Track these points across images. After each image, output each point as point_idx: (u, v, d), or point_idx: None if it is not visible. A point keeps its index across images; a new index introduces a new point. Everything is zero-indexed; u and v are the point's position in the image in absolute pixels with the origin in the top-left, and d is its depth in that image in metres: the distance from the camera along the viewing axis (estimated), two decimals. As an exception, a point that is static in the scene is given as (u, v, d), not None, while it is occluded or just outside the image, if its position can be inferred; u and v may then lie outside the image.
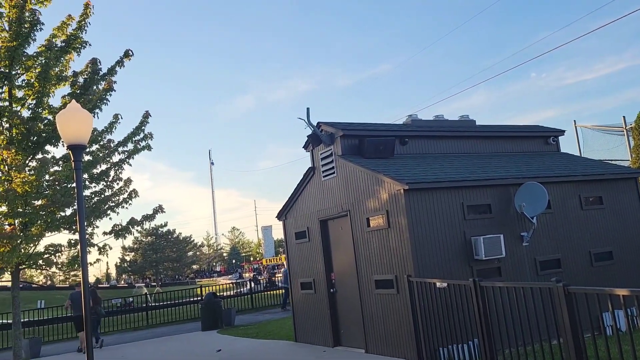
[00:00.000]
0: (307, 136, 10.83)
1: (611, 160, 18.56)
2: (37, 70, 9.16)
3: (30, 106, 9.27)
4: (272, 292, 25.17)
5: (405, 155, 10.49)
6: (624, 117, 20.29)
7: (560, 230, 9.74)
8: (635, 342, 4.57)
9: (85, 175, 9.35)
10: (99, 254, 9.45)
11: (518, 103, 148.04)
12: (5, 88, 9.09)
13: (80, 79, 9.61)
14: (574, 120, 22.31)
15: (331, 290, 10.52)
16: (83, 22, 9.54)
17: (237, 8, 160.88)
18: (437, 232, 8.56)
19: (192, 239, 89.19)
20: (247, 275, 61.71)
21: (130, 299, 25.77)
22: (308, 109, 10.54)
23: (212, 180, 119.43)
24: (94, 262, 9.68)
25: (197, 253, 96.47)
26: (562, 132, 12.77)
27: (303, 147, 11.21)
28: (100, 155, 9.67)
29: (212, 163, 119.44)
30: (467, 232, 8.79)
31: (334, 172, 10.26)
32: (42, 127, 9.09)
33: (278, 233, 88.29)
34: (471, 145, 11.41)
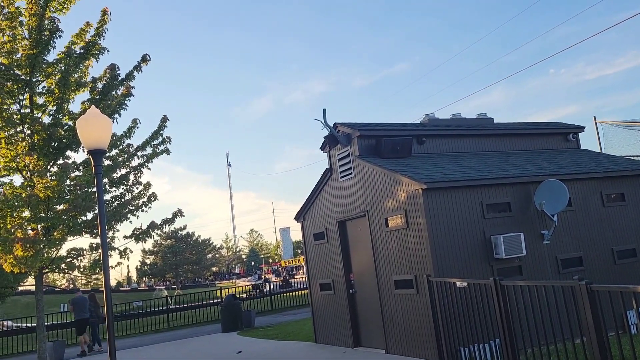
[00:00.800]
0: (324, 137, 10.84)
1: (633, 156, 18.23)
2: (57, 77, 9.31)
3: (50, 112, 9.43)
4: (290, 293, 25.21)
5: (422, 154, 10.43)
6: (645, 112, 19.84)
7: (582, 228, 9.60)
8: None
9: (106, 180, 9.48)
10: (120, 257, 9.57)
11: (537, 100, 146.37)
12: (27, 95, 9.26)
13: (99, 85, 9.75)
14: (594, 117, 21.98)
15: (350, 290, 10.51)
16: (101, 29, 9.68)
17: (253, 11, 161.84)
18: (456, 232, 8.49)
19: (211, 242, 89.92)
20: (265, 276, 61.90)
21: (139, 303, 26.02)
22: (324, 110, 10.57)
23: (230, 182, 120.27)
24: (115, 266, 9.81)
25: (216, 255, 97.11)
26: (582, 128, 12.59)
27: (320, 148, 11.22)
28: (120, 159, 9.79)
29: (230, 165, 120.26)
30: (487, 230, 8.71)
31: (351, 173, 10.25)
32: (63, 132, 9.25)
33: (296, 234, 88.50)
34: (489, 144, 11.30)
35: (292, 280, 37.07)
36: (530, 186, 9.24)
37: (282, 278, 44.02)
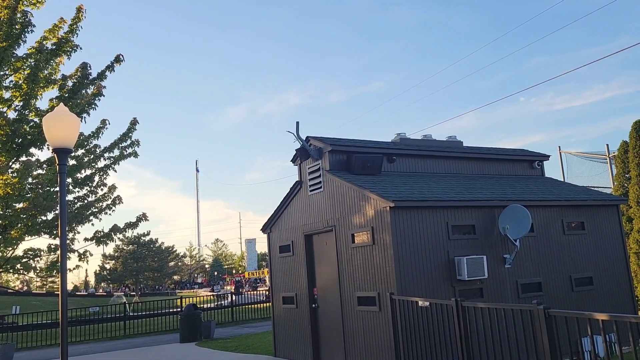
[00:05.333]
0: (296, 150, 10.84)
1: (594, 187, 18.82)
2: (26, 72, 9.10)
3: (16, 108, 9.19)
4: (252, 305, 24.93)
5: (392, 172, 10.54)
6: (607, 145, 20.67)
7: (542, 254, 9.82)
8: (613, 367, 4.60)
9: (69, 180, 9.25)
10: (79, 260, 9.34)
11: (507, 126, 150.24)
12: (-7, 88, 9.01)
13: (70, 83, 9.55)
14: (559, 146, 22.68)
15: (313, 305, 10.46)
16: (75, 26, 9.52)
17: (233, 17, 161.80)
18: (421, 251, 8.57)
19: (174, 249, 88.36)
20: (227, 287, 61.09)
21: (95, 308, 25.31)
22: (297, 122, 10.59)
23: (197, 189, 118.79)
24: (74, 269, 9.54)
25: (179, 264, 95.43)
26: (547, 157, 12.95)
27: (291, 161, 11.22)
28: (86, 160, 9.59)
29: (198, 170, 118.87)
30: (451, 251, 8.82)
31: (320, 187, 10.26)
32: (28, 129, 9.01)
33: (262, 246, 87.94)
34: (458, 166, 11.50)
35: (247, 292, 36.72)
36: (495, 210, 9.43)
37: (234, 285, 43.56)
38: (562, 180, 18.60)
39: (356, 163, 9.96)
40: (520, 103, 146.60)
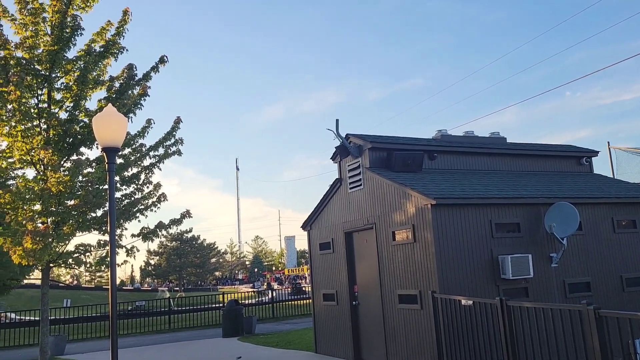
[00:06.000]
0: (336, 147, 10.85)
1: (646, 183, 18.03)
2: (75, 74, 9.42)
3: (67, 108, 9.52)
4: (293, 302, 25.13)
5: (433, 170, 10.42)
6: (660, 140, 19.75)
7: (591, 253, 9.51)
8: (668, 371, 4.42)
9: (117, 178, 9.54)
10: (127, 255, 9.59)
11: (551, 122, 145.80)
12: (45, 90, 9.36)
13: (116, 84, 9.83)
14: (608, 142, 21.88)
15: (354, 302, 10.46)
16: (121, 28, 9.78)
17: (272, 17, 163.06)
18: (463, 249, 8.45)
19: (215, 246, 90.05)
20: (269, 284, 61.78)
21: (142, 303, 26.01)
22: (337, 120, 10.60)
23: (238, 187, 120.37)
24: (121, 264, 9.83)
25: (220, 260, 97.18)
26: (595, 152, 12.52)
27: (331, 158, 11.24)
28: (132, 158, 9.85)
29: (238, 169, 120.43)
30: (495, 250, 8.65)
31: (360, 184, 10.24)
32: (78, 129, 9.33)
33: (301, 244, 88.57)
34: (501, 163, 11.26)
35: (304, 287, 36.95)
36: (540, 208, 9.18)
37: (293, 285, 43.83)
38: (612, 177, 17.93)
39: (396, 160, 9.89)
40: (566, 98, 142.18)
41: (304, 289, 36.34)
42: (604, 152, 21.92)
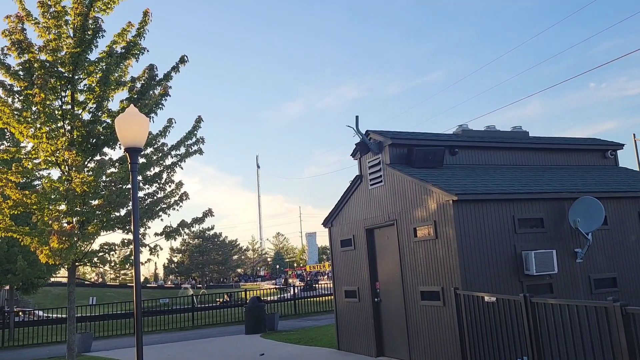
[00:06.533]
0: (356, 144, 10.83)
1: (674, 176, 17.61)
2: (98, 76, 9.55)
3: (90, 110, 9.67)
4: (314, 298, 25.20)
5: (454, 165, 10.32)
6: (689, 131, 19.29)
7: (617, 248, 9.32)
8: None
9: (140, 177, 9.66)
10: (150, 254, 9.71)
11: (575, 114, 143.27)
12: (68, 92, 9.52)
13: (138, 84, 9.95)
14: (634, 134, 21.42)
15: (375, 299, 10.44)
16: (142, 30, 9.88)
17: (289, 14, 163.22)
18: (486, 245, 8.36)
19: (237, 243, 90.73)
20: (291, 281, 62.07)
21: (165, 300, 26.35)
22: (357, 116, 10.57)
23: (259, 184, 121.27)
24: (145, 262, 9.95)
25: (242, 257, 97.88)
26: (620, 145, 12.26)
27: (351, 155, 11.22)
28: (154, 158, 9.96)
29: (259, 166, 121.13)
30: (518, 246, 8.54)
31: (381, 181, 10.20)
32: (101, 130, 9.47)
33: (322, 240, 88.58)
34: (524, 157, 11.11)
35: (316, 285, 36.94)
36: (564, 202, 9.04)
37: (305, 282, 43.82)
38: (638, 170, 17.54)
39: (417, 156, 9.82)
40: (590, 89, 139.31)
41: (315, 286, 36.36)
42: (629, 145, 21.45)
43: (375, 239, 10.62)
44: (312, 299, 25.14)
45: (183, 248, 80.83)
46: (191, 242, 79.36)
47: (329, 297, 21.77)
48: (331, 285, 12.83)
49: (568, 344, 5.83)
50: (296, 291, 26.44)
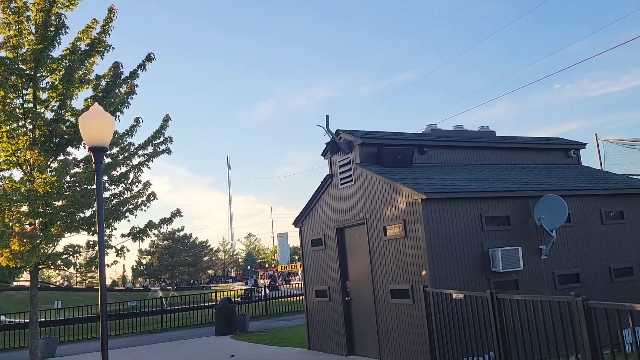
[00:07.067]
0: (326, 144, 10.84)
1: (633, 175, 18.22)
2: (61, 73, 9.32)
3: (53, 108, 9.43)
4: (286, 298, 25.14)
5: (423, 164, 10.43)
6: (647, 131, 20.02)
7: (580, 245, 9.58)
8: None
9: (105, 178, 9.47)
10: (117, 255, 9.53)
11: (541, 114, 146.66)
12: (30, 90, 9.26)
13: (103, 82, 9.75)
14: (595, 134, 22.08)
15: (346, 298, 10.47)
16: (107, 26, 9.69)
17: (262, 15, 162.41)
18: (454, 243, 8.48)
19: (208, 244, 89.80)
20: (262, 281, 61.79)
21: (133, 303, 25.93)
22: (327, 116, 10.57)
23: (230, 185, 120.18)
24: (111, 264, 9.75)
25: (213, 258, 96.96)
26: (583, 145, 12.61)
27: (321, 155, 11.22)
28: (120, 157, 9.77)
29: (230, 168, 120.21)
30: (485, 243, 8.69)
31: (351, 180, 10.24)
32: (65, 129, 9.24)
33: (293, 240, 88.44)
34: (490, 156, 11.31)
35: (281, 285, 36.83)
36: (530, 200, 9.23)
37: (269, 281, 43.49)
38: (600, 168, 18.08)
39: (387, 155, 9.89)
40: (555, 90, 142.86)
41: (277, 286, 36.60)
42: (592, 145, 22.12)
43: (346, 238, 10.65)
44: (283, 299, 25.05)
45: (152, 250, 79.54)
46: (160, 243, 78.14)
47: (301, 297, 21.76)
48: (301, 284, 12.81)
49: (532, 338, 5.95)
50: (266, 292, 26.32)
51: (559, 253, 9.28)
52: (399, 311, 8.88)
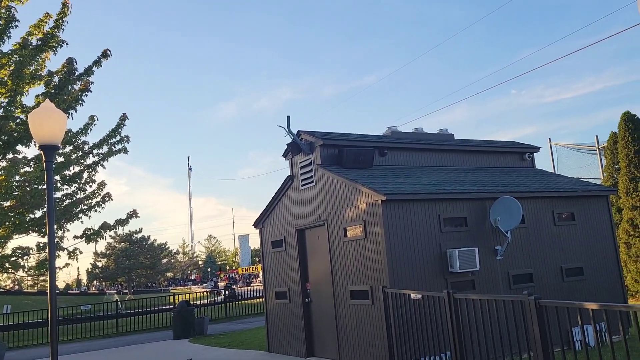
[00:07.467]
0: (287, 144, 10.79)
1: (584, 178, 18.94)
2: (10, 68, 8.97)
3: (2, 105, 9.06)
4: (246, 301, 24.91)
5: (384, 166, 10.52)
6: (596, 136, 20.91)
7: (533, 245, 9.85)
8: (603, 357, 4.61)
9: (57, 177, 9.15)
10: (69, 258, 9.25)
11: (499, 119, 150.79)
12: (-23, 85, 8.87)
13: (56, 79, 9.44)
14: (549, 138, 22.85)
15: (306, 300, 10.44)
16: (61, 21, 9.39)
17: (225, 15, 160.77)
18: (413, 244, 8.57)
19: (167, 246, 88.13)
20: (222, 284, 61.09)
21: (87, 307, 25.22)
22: (288, 117, 10.53)
23: (190, 186, 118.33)
24: (63, 267, 9.45)
25: (172, 261, 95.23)
26: (537, 148, 12.99)
27: (282, 156, 11.16)
28: (74, 157, 9.49)
29: (191, 169, 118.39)
30: (443, 244, 8.83)
31: (312, 181, 10.23)
32: (14, 126, 8.89)
33: (255, 242, 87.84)
34: (449, 159, 11.51)
35: (239, 288, 36.06)
36: (486, 202, 9.44)
37: (224, 287, 41.62)
38: (553, 171, 18.69)
39: (348, 157, 9.92)
40: (512, 95, 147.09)
41: (234, 288, 34.81)
42: (545, 148, 22.86)
43: (307, 240, 10.63)
44: (243, 302, 24.81)
45: (108, 252, 77.46)
46: (117, 245, 76.18)
47: (261, 300, 21.59)
48: (261, 286, 12.71)
49: (488, 336, 6.07)
50: (227, 294, 25.99)
51: (513, 253, 9.52)
52: (358, 312, 8.91)
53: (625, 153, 16.04)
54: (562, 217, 10.43)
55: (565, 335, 5.34)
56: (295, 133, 10.53)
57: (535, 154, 12.87)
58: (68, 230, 9.46)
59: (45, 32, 9.29)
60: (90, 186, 9.64)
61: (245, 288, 35.53)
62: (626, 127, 16.12)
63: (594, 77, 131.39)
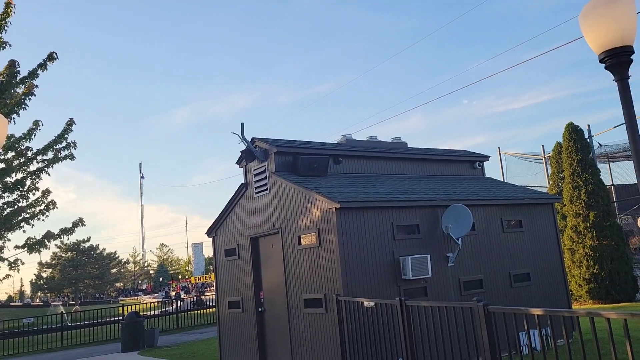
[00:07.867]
0: (241, 151, 10.67)
1: (531, 186, 19.64)
2: (-53, 69, 8.50)
3: (-63, 107, 8.56)
4: (198, 311, 24.42)
5: (338, 174, 10.56)
6: (542, 146, 21.78)
7: (483, 252, 10.09)
8: (549, 360, 4.74)
9: (-2, 184, 8.71)
10: (10, 269, 8.79)
11: (451, 128, 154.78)
12: None
13: (-3, 81, 9.00)
14: (499, 148, 23.61)
15: (259, 309, 10.32)
16: (3, 22, 8.98)
17: (179, 22, 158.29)
18: (367, 251, 8.62)
19: (117, 256, 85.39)
20: (173, 294, 59.69)
21: (30, 319, 24.15)
22: (242, 124, 10.43)
23: (142, 194, 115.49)
24: (4, 279, 9.00)
25: (122, 270, 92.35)
26: (487, 157, 13.36)
27: (236, 163, 11.03)
28: (16, 163, 9.06)
29: (143, 177, 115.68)
30: (396, 251, 8.91)
31: (266, 189, 10.15)
32: (-49, 130, 8.40)
33: (208, 250, 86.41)
34: (402, 167, 11.67)
35: (203, 297, 35.41)
36: (438, 210, 9.61)
37: (192, 295, 41.34)
38: (502, 180, 19.28)
39: (302, 164, 9.91)
40: (464, 105, 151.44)
41: (203, 300, 33.81)
42: (495, 157, 23.58)
43: (260, 248, 10.52)
44: (195, 312, 24.31)
45: (54, 262, 74.29)
46: (63, 255, 73.22)
47: (213, 309, 21.21)
48: (213, 295, 12.47)
49: (439, 343, 6.16)
50: (179, 304, 25.43)
51: (464, 260, 9.72)
52: (312, 320, 8.87)
53: (569, 162, 16.72)
54: (510, 224, 10.74)
55: (513, 340, 5.47)
56: (250, 140, 10.43)
57: (485, 162, 13.23)
58: (9, 240, 9.01)
59: (-14, 32, 8.87)
60: (34, 194, 9.22)
61: (187, 297, 34.50)
62: (570, 138, 16.83)
63: (541, 89, 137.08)
